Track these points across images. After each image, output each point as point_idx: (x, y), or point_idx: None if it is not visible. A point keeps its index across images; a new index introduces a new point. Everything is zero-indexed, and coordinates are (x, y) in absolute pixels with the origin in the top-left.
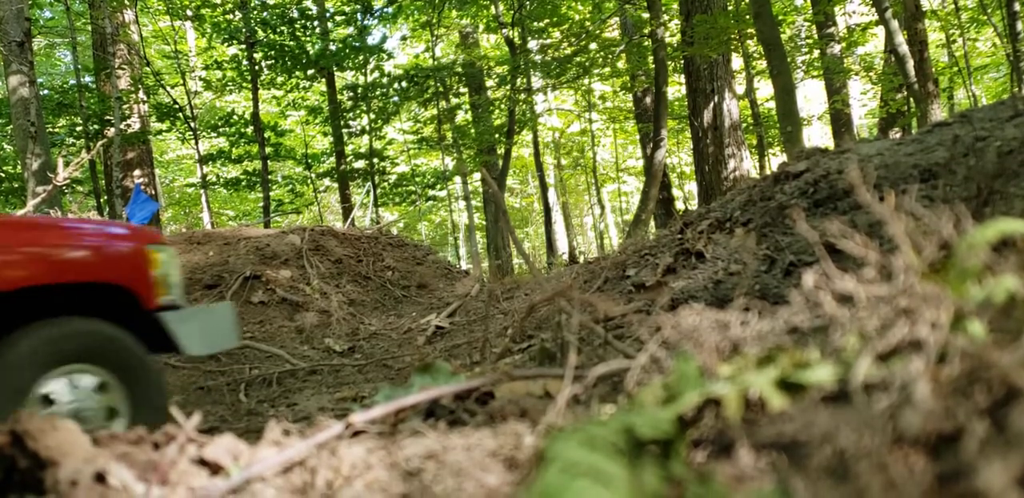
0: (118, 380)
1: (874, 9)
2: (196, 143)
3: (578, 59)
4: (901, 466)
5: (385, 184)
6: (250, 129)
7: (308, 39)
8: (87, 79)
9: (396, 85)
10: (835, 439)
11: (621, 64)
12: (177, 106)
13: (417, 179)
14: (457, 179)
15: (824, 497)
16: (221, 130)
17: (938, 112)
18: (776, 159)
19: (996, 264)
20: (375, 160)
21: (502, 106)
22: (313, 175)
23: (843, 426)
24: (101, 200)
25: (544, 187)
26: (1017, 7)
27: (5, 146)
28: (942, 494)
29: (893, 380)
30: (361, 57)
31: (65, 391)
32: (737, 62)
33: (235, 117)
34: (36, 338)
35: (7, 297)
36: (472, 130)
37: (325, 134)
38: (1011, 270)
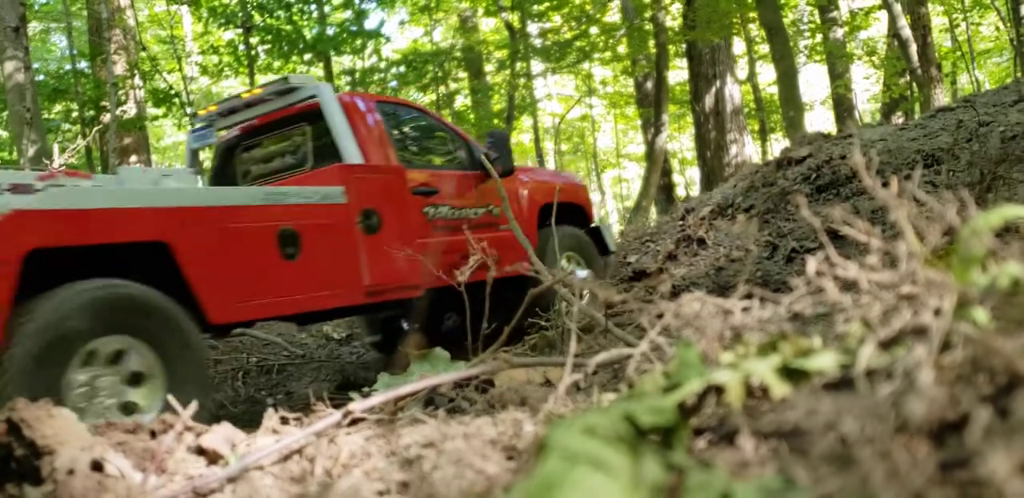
0: (587, 265)
1: None
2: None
3: (578, 43)
4: (904, 454)
5: None
6: None
7: (305, 23)
8: (83, 64)
9: (394, 70)
10: (838, 427)
11: (622, 48)
12: (173, 92)
13: None
14: None
15: (827, 485)
16: None
17: (941, 97)
18: (778, 144)
19: (1000, 250)
20: None
21: (501, 91)
22: None
23: (846, 413)
24: None
25: None
26: None
27: (1, 132)
28: (945, 482)
29: (896, 367)
30: (359, 41)
31: (571, 267)
32: (739, 46)
33: None
34: (562, 233)
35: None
36: (471, 115)
37: None
38: (1016, 256)
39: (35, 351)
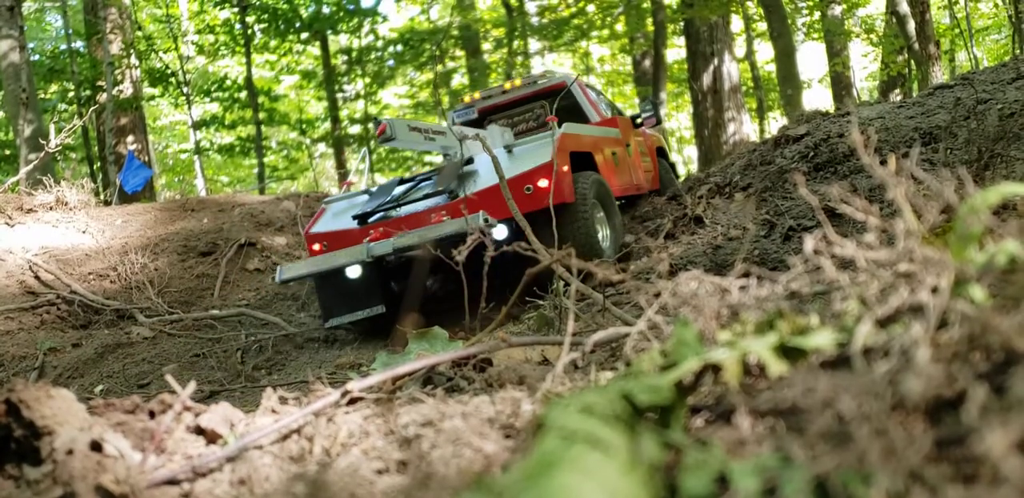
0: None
1: None
2: (189, 109)
3: (576, 21)
4: (901, 431)
5: (381, 150)
6: (243, 94)
7: (301, 2)
8: (78, 44)
9: (391, 49)
10: (835, 405)
11: (620, 26)
12: (169, 71)
13: None
14: None
15: (823, 463)
16: (214, 95)
17: (939, 74)
18: (776, 123)
19: (998, 228)
20: (370, 125)
21: (499, 69)
22: (308, 141)
23: (843, 392)
24: (94, 167)
25: None
26: None
27: None
28: (942, 459)
29: (893, 345)
30: (355, 20)
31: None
32: (737, 24)
33: (228, 82)
34: (666, 165)
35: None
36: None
37: (319, 99)
38: (1013, 234)
39: (590, 201)
